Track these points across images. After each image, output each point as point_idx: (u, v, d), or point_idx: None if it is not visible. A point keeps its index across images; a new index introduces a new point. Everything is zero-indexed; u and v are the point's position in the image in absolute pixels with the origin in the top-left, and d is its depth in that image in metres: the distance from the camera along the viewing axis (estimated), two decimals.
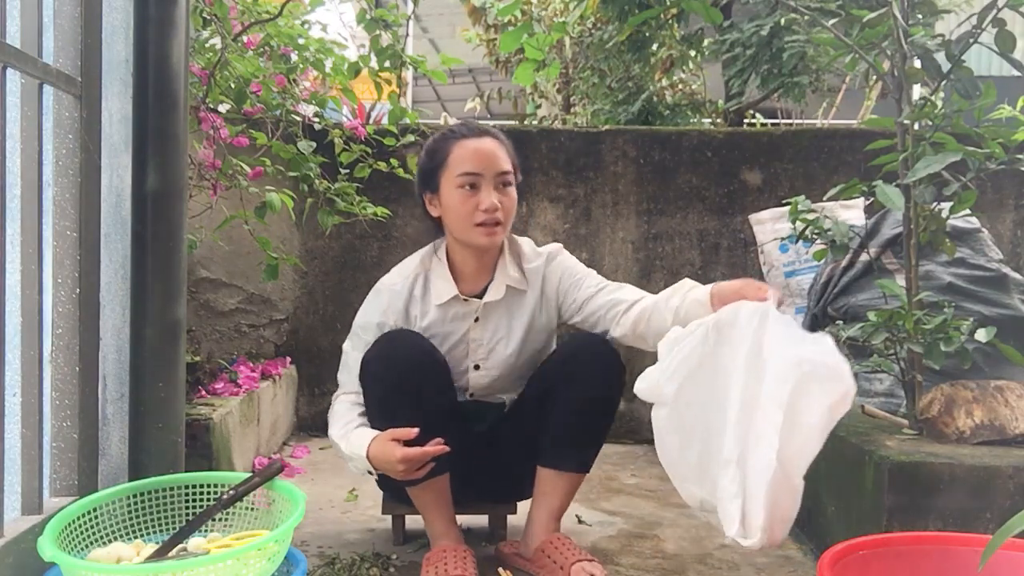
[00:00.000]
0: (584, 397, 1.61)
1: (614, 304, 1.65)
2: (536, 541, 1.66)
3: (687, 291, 1.56)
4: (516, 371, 1.72)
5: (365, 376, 1.61)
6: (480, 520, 1.92)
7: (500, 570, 1.65)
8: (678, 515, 2.12)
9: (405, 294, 1.67)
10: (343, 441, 1.60)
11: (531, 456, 1.68)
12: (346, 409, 1.67)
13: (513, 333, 1.69)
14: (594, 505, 2.19)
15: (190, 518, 1.36)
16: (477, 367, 1.70)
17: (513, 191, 1.63)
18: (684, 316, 1.51)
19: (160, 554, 1.26)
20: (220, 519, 1.38)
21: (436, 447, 1.49)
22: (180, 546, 1.29)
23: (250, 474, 1.39)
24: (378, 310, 1.67)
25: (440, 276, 1.67)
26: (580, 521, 2.04)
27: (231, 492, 1.34)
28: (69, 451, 1.41)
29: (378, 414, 1.60)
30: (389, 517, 1.84)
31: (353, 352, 1.68)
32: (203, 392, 2.31)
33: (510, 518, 1.86)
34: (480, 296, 1.68)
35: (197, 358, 2.49)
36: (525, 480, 1.71)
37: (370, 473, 1.58)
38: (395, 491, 1.73)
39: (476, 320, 1.68)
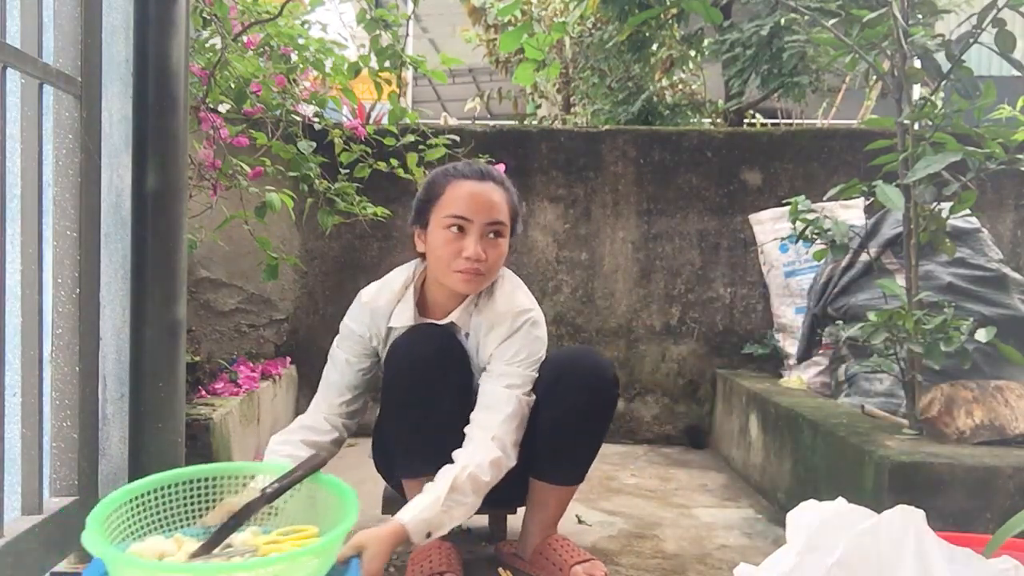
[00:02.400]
0: (576, 410, 1.56)
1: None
2: (533, 545, 1.65)
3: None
4: None
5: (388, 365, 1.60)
6: (480, 520, 1.92)
7: (500, 570, 1.65)
8: (678, 515, 2.12)
9: (385, 319, 1.64)
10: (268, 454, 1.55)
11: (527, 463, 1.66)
12: (301, 422, 1.64)
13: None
14: (594, 505, 2.19)
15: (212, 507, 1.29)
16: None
17: (503, 243, 1.55)
18: None
19: (206, 550, 1.19)
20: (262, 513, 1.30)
21: None
22: (225, 542, 1.23)
23: (292, 467, 1.32)
24: (361, 322, 1.66)
25: (405, 302, 1.63)
26: (580, 521, 2.04)
27: (275, 486, 1.28)
28: (69, 451, 1.41)
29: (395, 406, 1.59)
30: (390, 517, 1.83)
31: (337, 351, 1.69)
32: (203, 392, 2.31)
33: (510, 517, 1.86)
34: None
35: (197, 358, 2.49)
36: (524, 486, 1.69)
37: None
38: (396, 486, 1.73)
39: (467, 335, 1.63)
